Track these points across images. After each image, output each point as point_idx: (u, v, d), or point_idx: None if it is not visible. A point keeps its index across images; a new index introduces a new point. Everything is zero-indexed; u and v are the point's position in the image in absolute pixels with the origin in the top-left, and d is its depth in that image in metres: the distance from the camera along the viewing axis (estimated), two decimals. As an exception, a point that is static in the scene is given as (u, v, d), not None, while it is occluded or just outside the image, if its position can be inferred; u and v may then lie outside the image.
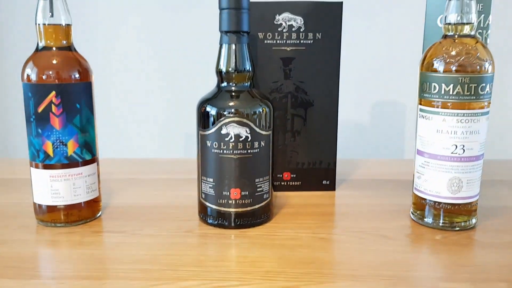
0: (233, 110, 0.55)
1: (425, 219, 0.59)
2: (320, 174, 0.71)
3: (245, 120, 0.55)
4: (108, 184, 0.74)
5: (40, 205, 0.58)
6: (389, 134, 1.13)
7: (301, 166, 0.71)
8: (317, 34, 0.67)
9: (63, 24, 0.56)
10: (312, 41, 0.67)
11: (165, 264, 0.48)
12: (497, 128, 1.09)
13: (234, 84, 0.57)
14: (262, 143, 0.56)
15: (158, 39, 1.12)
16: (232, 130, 0.55)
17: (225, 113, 0.55)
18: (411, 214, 0.61)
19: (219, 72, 0.57)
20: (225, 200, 0.57)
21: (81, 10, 1.10)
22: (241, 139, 0.55)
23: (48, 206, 0.57)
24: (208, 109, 0.56)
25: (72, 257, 0.50)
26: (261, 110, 0.56)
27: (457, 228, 0.57)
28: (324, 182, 0.72)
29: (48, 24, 0.55)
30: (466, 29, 0.55)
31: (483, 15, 0.64)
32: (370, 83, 1.11)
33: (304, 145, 0.70)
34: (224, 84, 0.57)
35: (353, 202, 0.67)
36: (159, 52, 1.13)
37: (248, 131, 0.55)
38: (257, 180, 0.57)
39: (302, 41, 0.67)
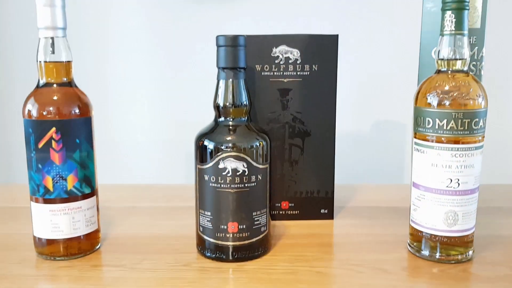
0: (230, 145, 0.56)
1: (422, 252, 0.59)
2: (318, 203, 0.72)
3: (242, 155, 0.56)
4: (108, 212, 0.74)
5: (40, 238, 0.59)
6: (388, 158, 1.13)
7: (299, 195, 0.72)
8: (313, 66, 0.68)
9: (64, 61, 0.57)
10: (308, 73, 0.68)
11: (163, 302, 0.48)
12: (495, 152, 1.09)
13: (231, 119, 0.58)
14: (259, 177, 0.57)
15: (159, 69, 1.14)
16: (230, 164, 0.56)
17: (222, 147, 0.56)
18: (408, 246, 0.61)
19: (216, 107, 0.58)
20: (223, 234, 0.57)
21: (83, 46, 1.11)
22: (238, 173, 0.56)
23: (47, 240, 0.58)
24: (205, 143, 0.57)
25: (71, 294, 0.50)
26: (258, 144, 0.57)
27: (454, 261, 0.57)
28: (322, 211, 0.72)
29: (49, 61, 0.57)
30: (459, 65, 0.56)
31: (476, 48, 0.65)
32: (368, 108, 1.12)
33: (302, 175, 0.71)
34: (222, 118, 0.58)
35: (351, 232, 0.68)
36: (160, 78, 1.14)
37: (245, 165, 0.56)
38: (254, 213, 0.57)
39: (299, 73, 0.68)
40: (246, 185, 0.56)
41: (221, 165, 0.56)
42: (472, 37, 0.65)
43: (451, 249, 0.58)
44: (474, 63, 0.66)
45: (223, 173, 0.56)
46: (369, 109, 1.13)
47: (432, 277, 0.54)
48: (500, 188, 0.90)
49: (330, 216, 0.73)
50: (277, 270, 0.56)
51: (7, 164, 1.20)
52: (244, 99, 0.58)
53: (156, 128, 1.17)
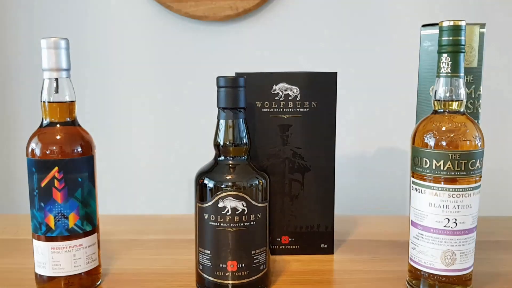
0: (229, 184, 0.57)
1: (421, 290, 0.59)
2: (318, 238, 0.72)
3: (241, 194, 0.56)
4: (110, 246, 0.75)
5: (41, 275, 0.59)
6: (390, 189, 1.14)
7: (299, 229, 0.72)
8: (313, 103, 0.69)
9: (68, 101, 0.59)
10: (308, 109, 0.69)
11: None
12: (493, 185, 1.10)
13: (231, 158, 0.59)
14: (259, 215, 0.58)
15: (161, 100, 1.15)
16: (229, 203, 0.56)
17: (222, 186, 0.56)
18: (407, 283, 0.62)
19: (216, 146, 0.59)
20: (222, 272, 0.58)
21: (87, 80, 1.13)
22: (237, 212, 0.56)
23: (48, 277, 0.59)
24: (205, 181, 0.58)
25: (70, 334, 0.51)
26: (257, 183, 0.58)
27: (452, 300, 0.58)
28: (322, 245, 0.73)
29: (52, 101, 0.58)
30: (455, 106, 0.57)
31: (473, 86, 0.66)
32: (369, 141, 1.13)
33: (302, 209, 0.72)
34: (222, 157, 0.59)
35: (350, 268, 0.68)
36: (162, 110, 1.16)
37: (245, 204, 0.57)
38: (254, 251, 0.58)
39: (298, 109, 0.69)
40: (245, 224, 0.57)
41: (220, 204, 0.56)
42: (469, 76, 0.66)
43: (450, 288, 0.58)
44: (471, 101, 0.66)
45: (223, 212, 0.56)
46: (370, 141, 1.14)
47: (430, 318, 0.54)
48: (499, 221, 0.90)
49: (330, 251, 0.73)
50: (275, 310, 0.56)
51: (12, 195, 1.21)
52: (244, 138, 0.59)
53: (159, 158, 1.17)
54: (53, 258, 0.58)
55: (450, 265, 0.57)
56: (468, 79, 0.66)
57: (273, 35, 1.10)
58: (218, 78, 0.58)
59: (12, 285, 0.62)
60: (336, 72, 0.69)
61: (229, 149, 0.59)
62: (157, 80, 1.14)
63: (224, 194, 0.56)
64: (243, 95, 0.58)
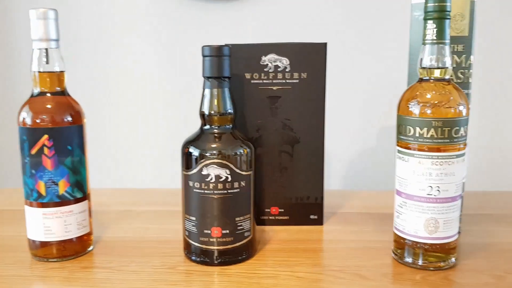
0: (213, 152, 0.57)
1: (405, 259, 0.59)
2: (307, 209, 0.73)
3: (225, 162, 0.57)
4: (103, 216, 0.77)
5: (33, 241, 0.61)
6: (380, 164, 1.14)
7: (289, 201, 0.73)
8: (302, 74, 0.69)
9: (57, 71, 0.60)
10: (298, 80, 0.70)
11: (143, 303, 0.50)
12: (493, 159, 1.09)
13: (216, 127, 0.60)
14: (243, 183, 0.59)
15: (157, 72, 1.16)
16: (213, 171, 0.57)
17: (206, 154, 0.57)
18: (392, 253, 0.62)
19: (202, 115, 0.60)
20: (207, 238, 0.59)
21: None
22: (221, 180, 0.57)
23: (41, 242, 0.61)
24: (190, 150, 0.58)
25: (57, 294, 0.53)
26: (242, 151, 0.59)
27: (433, 268, 0.58)
28: (311, 216, 0.73)
29: (42, 71, 0.59)
30: (441, 73, 0.56)
31: (464, 55, 0.65)
32: (359, 115, 1.14)
33: (292, 181, 0.72)
34: (207, 126, 0.60)
35: (338, 238, 0.69)
36: (157, 83, 1.17)
37: (228, 172, 0.57)
38: (237, 218, 0.59)
39: (287, 81, 0.70)
40: (229, 191, 0.58)
41: (204, 172, 0.57)
42: (460, 45, 0.65)
43: (433, 256, 0.58)
44: (462, 70, 0.66)
45: (207, 179, 0.57)
46: (360, 115, 1.14)
47: (411, 284, 0.55)
48: (493, 195, 0.90)
49: (319, 222, 0.73)
50: (258, 275, 0.57)
51: (2, 169, 1.24)
52: (229, 107, 0.59)
53: (154, 133, 1.19)
54: (45, 223, 0.60)
55: (433, 233, 0.57)
56: (459, 48, 0.66)
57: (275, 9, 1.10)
58: (203, 47, 0.58)
59: (6, 251, 0.64)
60: (326, 43, 0.69)
61: (214, 118, 0.59)
62: (153, 53, 1.15)
63: (208, 162, 0.57)
64: (227, 64, 0.59)
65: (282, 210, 0.73)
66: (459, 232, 0.68)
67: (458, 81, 0.66)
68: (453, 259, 0.59)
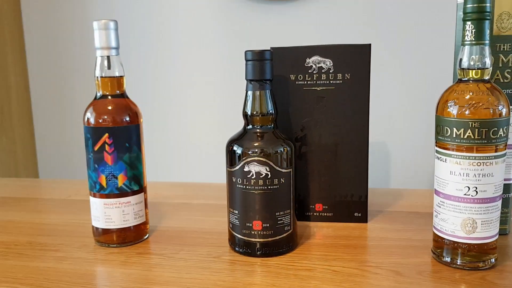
0: (255, 150, 0.61)
1: (444, 258, 0.60)
2: (351, 207, 0.75)
3: (265, 159, 0.61)
4: (163, 207, 0.83)
5: (97, 228, 0.68)
6: (427, 162, 1.13)
7: (333, 198, 0.75)
8: (346, 75, 0.71)
9: (117, 76, 0.66)
10: (341, 81, 0.72)
11: (185, 287, 0.55)
12: None
13: (258, 126, 0.63)
14: (282, 180, 0.62)
15: (216, 72, 1.22)
16: (253, 168, 0.61)
17: (248, 152, 0.61)
18: (431, 252, 0.63)
19: (245, 115, 0.64)
20: (249, 231, 0.63)
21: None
22: (261, 176, 0.61)
23: (103, 229, 0.68)
24: (234, 148, 0.63)
25: (114, 275, 0.59)
26: (282, 150, 0.62)
27: (471, 268, 0.58)
28: (356, 214, 0.75)
29: (104, 76, 0.66)
30: (480, 74, 0.56)
31: (511, 55, 0.64)
32: (404, 114, 1.13)
33: (336, 179, 0.74)
34: (250, 126, 0.64)
35: (380, 236, 0.70)
36: (215, 83, 1.23)
37: (268, 169, 0.61)
38: (277, 213, 0.62)
39: (331, 81, 0.72)
40: (269, 187, 0.61)
41: (246, 168, 0.61)
42: (506, 44, 0.64)
43: (472, 256, 0.58)
44: (508, 70, 0.65)
45: (248, 176, 0.61)
46: (405, 115, 1.13)
47: (445, 283, 0.55)
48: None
49: (364, 219, 0.75)
50: (296, 267, 0.60)
51: (73, 162, 1.37)
52: (270, 108, 0.63)
53: (215, 131, 1.26)
54: (106, 212, 0.67)
55: (471, 233, 0.57)
56: (506, 47, 0.64)
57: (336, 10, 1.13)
58: (245, 52, 0.62)
59: (75, 236, 0.72)
60: (370, 44, 0.71)
61: (256, 119, 0.63)
62: (215, 57, 1.21)
63: (249, 159, 0.61)
64: (269, 67, 0.62)
65: (326, 207, 0.76)
66: (506, 233, 0.68)
67: (506, 80, 0.65)
68: (492, 260, 0.58)
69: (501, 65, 0.65)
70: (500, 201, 0.58)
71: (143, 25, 1.26)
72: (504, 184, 0.65)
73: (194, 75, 1.26)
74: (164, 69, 1.28)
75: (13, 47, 1.45)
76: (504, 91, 0.65)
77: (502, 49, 0.64)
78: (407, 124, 1.17)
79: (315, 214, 0.76)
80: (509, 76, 0.65)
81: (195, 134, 1.31)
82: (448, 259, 0.59)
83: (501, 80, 0.65)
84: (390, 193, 0.91)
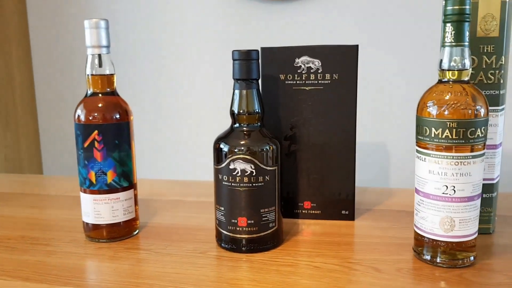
0: (240, 148, 0.63)
1: (424, 256, 0.61)
2: (339, 205, 0.76)
3: (249, 157, 0.62)
4: (155, 204, 0.85)
5: (87, 223, 0.70)
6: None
7: (321, 196, 0.76)
8: (334, 75, 0.72)
9: (108, 74, 0.68)
10: (329, 81, 0.73)
11: (169, 281, 0.57)
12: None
13: (245, 125, 0.65)
14: (267, 178, 0.63)
15: (209, 70, 1.24)
16: (239, 165, 0.62)
17: (233, 150, 0.63)
18: (412, 249, 0.64)
19: (232, 114, 0.65)
20: (234, 227, 0.64)
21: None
22: (246, 174, 0.62)
23: (93, 225, 0.69)
24: (221, 146, 0.64)
25: (100, 269, 0.61)
26: (268, 148, 0.63)
27: (450, 266, 0.59)
28: (343, 212, 0.76)
29: (95, 74, 0.67)
30: (459, 75, 0.57)
31: (494, 56, 0.65)
32: (390, 113, 1.14)
33: (324, 177, 0.76)
34: (237, 124, 0.65)
35: (365, 233, 0.71)
36: (211, 82, 1.24)
37: (253, 167, 0.62)
38: (262, 210, 0.64)
39: (320, 81, 0.73)
40: (254, 184, 0.63)
41: (231, 166, 0.63)
42: (489, 46, 0.65)
43: (450, 254, 0.59)
44: (491, 71, 0.65)
45: (233, 173, 0.63)
46: (392, 114, 1.15)
47: (421, 280, 0.56)
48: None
49: (351, 217, 0.76)
50: (278, 262, 0.61)
51: (63, 159, 1.39)
52: (257, 107, 0.64)
53: (210, 129, 1.28)
54: (95, 208, 0.68)
55: (449, 231, 0.58)
56: (489, 49, 0.65)
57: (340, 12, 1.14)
58: (233, 51, 0.64)
59: (66, 231, 0.74)
60: (357, 45, 0.72)
61: (242, 117, 0.64)
62: (217, 58, 1.22)
63: (234, 157, 0.62)
64: (255, 67, 0.64)
65: (315, 204, 0.77)
66: (490, 232, 0.69)
67: (489, 81, 0.66)
68: (471, 258, 0.59)
69: (484, 67, 0.65)
70: (479, 200, 0.59)
71: (137, 25, 1.28)
72: (487, 184, 0.67)
73: (188, 74, 1.28)
74: (159, 68, 1.30)
75: (18, 44, 1.48)
76: (488, 92, 0.66)
77: (485, 50, 0.65)
78: (401, 122, 1.18)
79: (303, 211, 0.77)
80: (492, 77, 0.66)
81: (191, 132, 1.32)
82: (428, 257, 0.61)
83: (485, 81, 0.66)
84: (380, 192, 0.92)
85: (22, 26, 1.49)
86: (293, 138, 0.75)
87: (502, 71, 0.65)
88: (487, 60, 0.65)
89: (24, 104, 1.52)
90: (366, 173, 1.20)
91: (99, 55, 0.67)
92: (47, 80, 1.48)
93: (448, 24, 0.57)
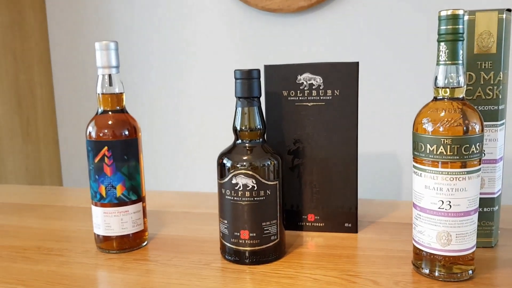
0: (242, 163, 0.65)
1: (423, 270, 0.62)
2: (342, 217, 0.78)
3: (251, 172, 0.64)
4: (165, 216, 0.88)
5: (98, 235, 0.73)
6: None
7: (324, 209, 0.78)
8: (335, 91, 0.74)
9: (117, 92, 0.71)
10: (331, 97, 0.75)
11: (172, 292, 0.59)
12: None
13: (247, 141, 0.67)
14: (268, 192, 0.65)
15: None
16: (241, 180, 0.65)
17: (235, 165, 0.65)
18: (412, 263, 0.65)
19: (234, 130, 0.67)
20: (237, 240, 0.66)
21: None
22: (248, 188, 0.65)
23: (103, 236, 0.72)
24: (224, 161, 0.66)
25: (109, 280, 0.64)
26: (269, 163, 0.65)
27: (452, 280, 0.60)
28: (346, 224, 0.78)
29: (105, 93, 0.71)
30: (454, 92, 0.59)
31: (492, 72, 0.66)
32: (393, 127, 1.15)
33: (327, 190, 0.77)
34: (239, 140, 0.67)
35: (367, 246, 0.72)
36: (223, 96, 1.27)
37: (254, 182, 0.64)
38: (264, 223, 0.66)
39: (321, 97, 0.75)
40: (255, 198, 0.65)
41: (234, 181, 0.65)
42: (487, 62, 0.66)
43: (449, 268, 0.60)
44: (490, 87, 0.67)
45: (236, 188, 0.65)
46: (393, 128, 1.16)
47: (418, 293, 0.58)
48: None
49: (354, 229, 0.78)
50: (279, 274, 0.63)
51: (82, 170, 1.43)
52: (258, 123, 0.67)
53: (219, 143, 1.31)
54: (105, 220, 0.71)
55: (446, 245, 0.59)
56: (487, 65, 0.66)
57: (346, 25, 1.16)
58: (235, 71, 0.66)
59: (79, 242, 0.77)
60: (357, 62, 0.74)
61: (244, 133, 0.67)
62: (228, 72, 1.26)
63: (236, 172, 0.65)
64: (257, 85, 0.66)
65: (318, 217, 0.78)
66: (492, 246, 0.70)
67: (488, 97, 0.67)
68: (470, 271, 0.60)
69: (482, 83, 0.67)
70: (476, 214, 0.60)
71: (149, 46, 1.33)
72: (488, 198, 0.68)
73: (194, 91, 1.31)
74: (171, 81, 1.34)
75: (39, 60, 1.54)
76: (487, 108, 0.67)
77: (483, 67, 0.66)
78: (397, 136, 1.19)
79: (307, 224, 0.79)
80: (491, 93, 0.67)
81: (201, 147, 1.35)
82: (427, 271, 0.62)
83: (483, 97, 0.67)
84: (385, 204, 0.93)
85: (43, 41, 1.55)
86: (297, 152, 0.77)
87: (501, 87, 0.66)
88: (485, 76, 0.66)
89: (45, 117, 1.58)
90: (370, 185, 1.21)
91: (109, 75, 0.70)
92: (67, 94, 1.53)
93: (442, 43, 0.58)
